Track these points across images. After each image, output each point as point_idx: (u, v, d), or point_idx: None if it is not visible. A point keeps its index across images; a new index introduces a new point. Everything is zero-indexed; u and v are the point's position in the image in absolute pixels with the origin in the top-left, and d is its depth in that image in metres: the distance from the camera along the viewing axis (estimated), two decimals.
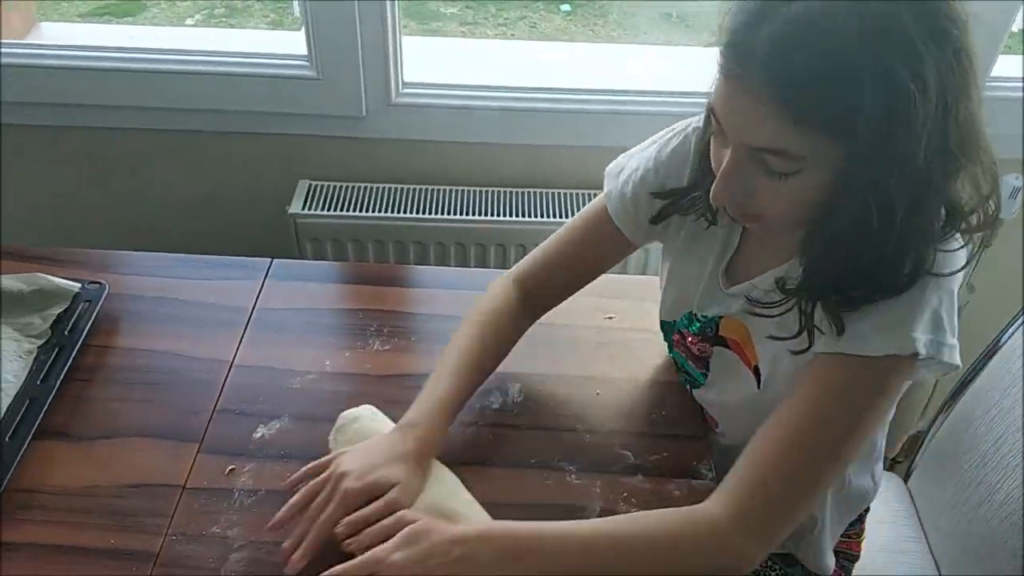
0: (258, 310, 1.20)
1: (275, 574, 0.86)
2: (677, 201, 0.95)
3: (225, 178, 1.68)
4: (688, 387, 1.08)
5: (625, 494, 0.95)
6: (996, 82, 1.55)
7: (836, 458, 0.81)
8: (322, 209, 1.54)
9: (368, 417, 0.98)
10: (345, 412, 0.99)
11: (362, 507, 0.84)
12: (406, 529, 0.80)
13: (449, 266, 1.60)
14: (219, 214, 1.72)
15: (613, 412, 1.05)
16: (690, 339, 1.01)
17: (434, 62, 1.68)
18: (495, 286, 1.07)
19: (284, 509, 0.86)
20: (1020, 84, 1.54)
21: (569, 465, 0.99)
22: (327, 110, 1.57)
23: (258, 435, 1.01)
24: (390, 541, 0.79)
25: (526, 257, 1.08)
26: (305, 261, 1.30)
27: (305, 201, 1.55)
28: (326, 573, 0.78)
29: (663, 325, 1.07)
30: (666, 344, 1.10)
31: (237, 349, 1.13)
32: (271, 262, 1.28)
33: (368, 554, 0.79)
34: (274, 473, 0.97)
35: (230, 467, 0.97)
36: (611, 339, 1.16)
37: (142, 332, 1.16)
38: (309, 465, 0.91)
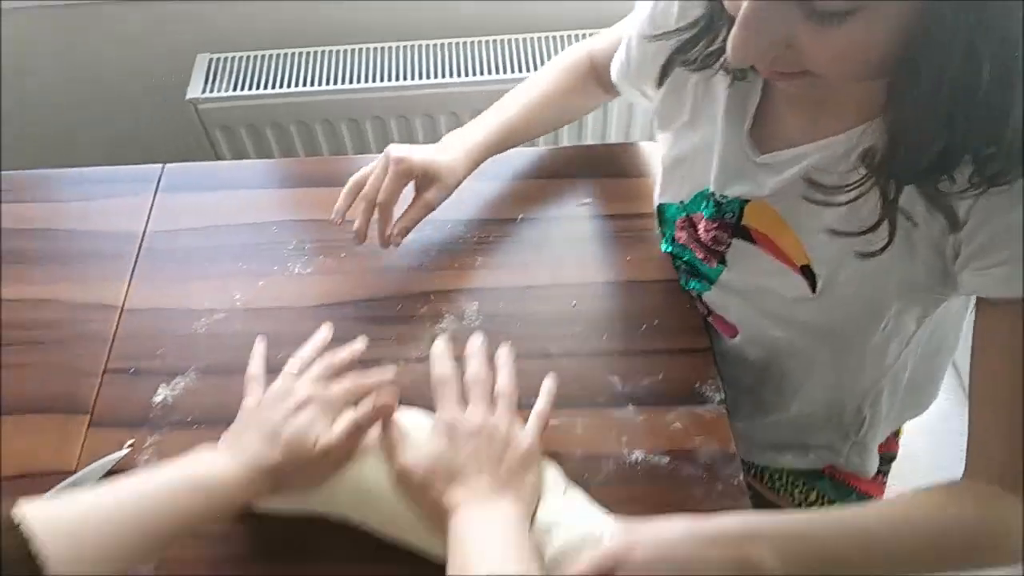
0: (150, 235, 0.97)
1: (190, 573, 0.71)
2: (683, 49, 0.72)
3: (105, 61, 1.38)
4: (694, 292, 0.87)
5: (614, 432, 0.77)
6: None
7: None
8: (230, 89, 1.27)
9: None
10: None
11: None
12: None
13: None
14: (102, 109, 1.43)
15: (594, 328, 0.85)
16: (702, 226, 0.79)
17: None
18: (570, 51, 0.97)
19: (341, 197, 0.87)
20: None
21: None
22: None
23: (159, 398, 0.82)
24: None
25: (606, 31, 0.94)
26: (202, 163, 1.06)
27: (207, 80, 1.28)
28: None
29: (662, 210, 0.86)
30: (662, 235, 0.89)
31: (127, 289, 0.92)
32: (162, 169, 1.04)
33: None
34: (181, 445, 0.77)
35: (129, 442, 0.79)
36: (587, 232, 0.95)
37: (15, 277, 0.94)
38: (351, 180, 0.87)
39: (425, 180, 0.87)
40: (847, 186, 0.62)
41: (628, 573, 0.60)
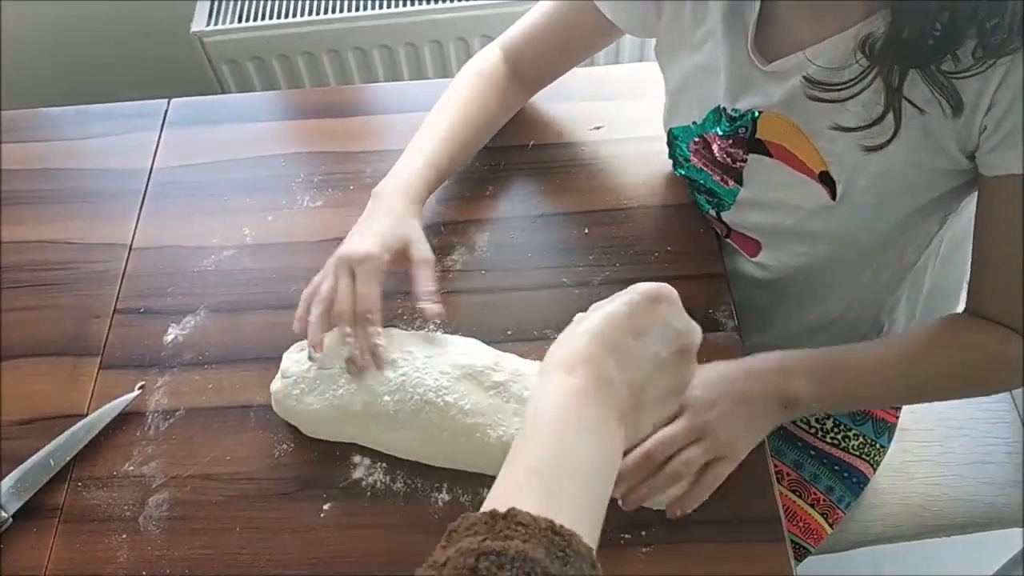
0: (157, 171, 0.96)
1: (202, 515, 0.71)
2: None
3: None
4: (712, 211, 0.84)
5: None
6: None
7: None
8: (235, 20, 1.24)
9: None
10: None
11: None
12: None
13: (401, 78, 1.32)
14: (105, 45, 1.40)
15: (606, 256, 0.83)
16: (717, 145, 0.77)
17: None
18: (483, 53, 0.90)
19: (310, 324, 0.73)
20: None
21: (555, 333, 0.78)
22: None
23: (170, 338, 0.82)
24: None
25: (515, 24, 0.90)
26: (208, 97, 1.04)
27: (211, 12, 1.25)
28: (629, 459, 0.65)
29: (673, 135, 0.83)
30: (674, 161, 0.86)
31: (136, 227, 0.91)
32: (168, 103, 1.02)
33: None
34: (193, 386, 0.78)
35: (140, 383, 0.79)
36: (600, 156, 0.92)
37: (21, 218, 0.93)
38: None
39: (401, 256, 0.76)
40: (848, 81, 0.62)
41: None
